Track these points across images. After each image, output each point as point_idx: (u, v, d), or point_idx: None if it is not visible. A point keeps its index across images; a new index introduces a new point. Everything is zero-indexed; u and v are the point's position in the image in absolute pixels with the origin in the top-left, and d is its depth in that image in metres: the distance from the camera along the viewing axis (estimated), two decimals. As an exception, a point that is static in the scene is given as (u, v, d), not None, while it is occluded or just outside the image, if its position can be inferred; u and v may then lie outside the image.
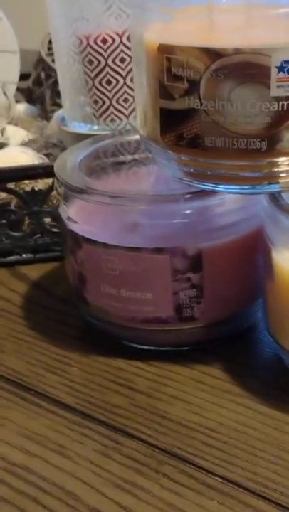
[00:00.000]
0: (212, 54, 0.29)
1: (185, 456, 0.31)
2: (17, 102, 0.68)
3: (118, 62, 0.45)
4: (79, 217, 0.37)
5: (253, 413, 0.33)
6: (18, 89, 0.68)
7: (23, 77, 0.68)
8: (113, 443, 0.32)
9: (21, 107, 0.67)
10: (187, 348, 0.38)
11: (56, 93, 0.60)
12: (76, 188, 0.37)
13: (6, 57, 0.66)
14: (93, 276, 0.37)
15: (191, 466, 0.30)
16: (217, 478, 0.30)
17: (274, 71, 0.29)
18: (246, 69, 0.29)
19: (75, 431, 0.33)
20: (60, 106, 0.57)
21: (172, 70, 0.31)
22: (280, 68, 0.29)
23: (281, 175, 0.32)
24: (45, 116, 0.64)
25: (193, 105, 0.31)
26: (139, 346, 0.38)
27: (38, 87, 0.64)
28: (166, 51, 0.31)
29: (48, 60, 0.61)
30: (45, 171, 0.45)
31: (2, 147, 0.53)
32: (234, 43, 0.29)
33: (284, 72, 0.29)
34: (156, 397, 0.35)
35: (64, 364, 0.38)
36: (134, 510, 0.28)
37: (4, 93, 0.63)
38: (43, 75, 0.63)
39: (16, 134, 0.58)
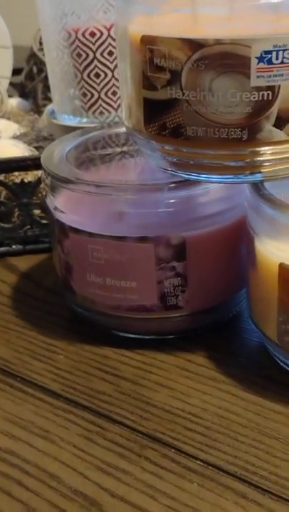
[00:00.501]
0: (193, 45, 0.30)
1: (167, 441, 0.32)
2: (10, 96, 0.68)
3: (106, 56, 0.45)
4: (66, 207, 0.38)
5: (236, 399, 0.34)
6: (11, 84, 0.69)
7: (16, 71, 0.69)
8: (97, 428, 0.33)
9: (14, 102, 0.68)
10: (172, 336, 0.38)
11: (48, 87, 0.61)
12: (62, 178, 0.37)
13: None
14: (79, 266, 0.37)
15: (173, 450, 0.31)
16: (198, 461, 0.30)
17: (254, 61, 0.29)
18: (226, 59, 0.30)
19: (59, 416, 0.33)
20: (51, 100, 0.57)
21: (155, 61, 0.31)
22: (260, 59, 0.29)
23: (263, 164, 0.32)
24: (37, 110, 0.65)
25: (175, 95, 0.31)
26: (124, 335, 0.38)
27: (31, 81, 0.65)
28: (148, 42, 0.31)
29: (39, 54, 0.61)
30: (34, 163, 0.46)
31: (-7, 140, 0.53)
32: (215, 34, 0.30)
33: (264, 63, 0.29)
34: (140, 384, 0.36)
35: (51, 352, 0.38)
36: (115, 492, 0.29)
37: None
38: (35, 69, 0.64)
39: (8, 127, 0.58)
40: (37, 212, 0.48)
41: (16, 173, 0.46)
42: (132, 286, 0.36)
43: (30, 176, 0.47)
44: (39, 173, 0.46)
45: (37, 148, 0.52)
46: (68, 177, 0.37)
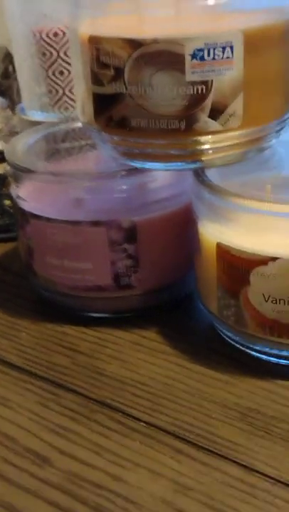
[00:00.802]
0: (133, 44, 0.33)
1: (116, 406, 0.35)
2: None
3: (69, 54, 0.48)
4: (28, 196, 0.41)
5: (182, 369, 0.37)
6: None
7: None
8: (52, 395, 0.36)
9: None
10: (128, 314, 0.41)
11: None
12: (24, 169, 0.40)
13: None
14: (39, 249, 0.40)
15: (120, 413, 0.34)
16: (142, 423, 0.33)
17: (188, 58, 0.32)
18: (163, 57, 0.33)
19: (18, 386, 0.36)
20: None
21: (100, 59, 0.34)
22: (193, 55, 0.32)
23: (202, 153, 0.35)
24: (13, 107, 0.67)
25: (120, 90, 0.34)
26: (83, 313, 0.41)
27: (7, 79, 0.68)
28: (95, 42, 0.34)
29: (11, 52, 0.64)
30: (2, 157, 0.48)
31: None
32: (152, 34, 0.33)
33: (197, 59, 0.32)
34: (96, 357, 0.39)
35: (15, 330, 0.41)
36: (64, 450, 0.32)
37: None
38: (10, 68, 0.67)
39: (-17, 124, 0.61)
40: (7, 202, 0.51)
41: (-13, 166, 0.49)
42: (87, 267, 0.39)
43: (0, 169, 0.50)
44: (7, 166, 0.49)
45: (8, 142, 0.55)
46: (29, 167, 0.40)
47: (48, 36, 0.48)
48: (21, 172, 0.40)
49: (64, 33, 0.47)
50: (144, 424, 0.33)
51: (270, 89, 0.35)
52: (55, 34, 0.48)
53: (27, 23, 0.49)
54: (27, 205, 0.41)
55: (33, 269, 0.42)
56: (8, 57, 0.67)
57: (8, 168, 0.43)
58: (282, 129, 0.38)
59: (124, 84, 0.34)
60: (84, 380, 0.37)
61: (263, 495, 0.29)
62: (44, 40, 0.48)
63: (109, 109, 0.35)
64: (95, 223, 0.38)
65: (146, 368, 0.37)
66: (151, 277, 0.40)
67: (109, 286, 0.40)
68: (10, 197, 0.49)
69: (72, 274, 0.40)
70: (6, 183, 0.50)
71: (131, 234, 0.38)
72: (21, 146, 0.43)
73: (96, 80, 0.35)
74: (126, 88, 0.34)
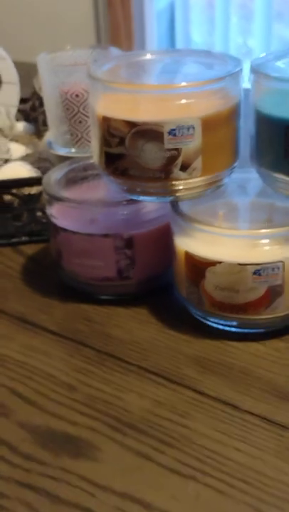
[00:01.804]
0: (131, 124, 0.51)
1: (118, 356, 0.53)
2: (17, 120, 0.89)
3: (86, 110, 0.66)
4: (58, 214, 0.59)
5: (162, 334, 0.56)
6: (18, 111, 0.90)
7: (22, 100, 0.90)
8: (76, 349, 0.54)
9: (20, 126, 0.89)
10: (126, 297, 0.60)
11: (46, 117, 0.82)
12: (55, 197, 0.59)
13: (9, 87, 0.88)
14: (66, 252, 0.59)
15: (121, 361, 0.53)
16: (135, 366, 0.52)
17: (166, 135, 0.51)
18: (150, 133, 0.51)
19: (54, 344, 0.55)
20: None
21: (110, 131, 0.53)
22: (169, 133, 0.51)
23: (176, 192, 0.54)
24: (39, 133, 0.86)
25: (123, 151, 0.53)
26: (96, 296, 0.60)
27: (33, 111, 0.86)
28: (106, 120, 0.53)
29: (39, 93, 0.82)
30: (37, 181, 0.67)
31: (7, 162, 0.75)
32: (144, 118, 0.51)
33: (171, 135, 0.51)
34: (105, 325, 0.57)
35: (50, 307, 0.60)
36: (85, 382, 0.51)
37: (8, 116, 0.85)
38: (37, 103, 0.85)
39: (17, 149, 0.79)
40: (39, 214, 0.69)
41: (25, 188, 0.68)
42: (99, 264, 0.58)
43: (34, 190, 0.68)
44: (40, 188, 0.67)
45: (38, 167, 0.74)
46: (59, 196, 0.59)
47: (71, 96, 0.66)
48: (53, 199, 0.59)
49: (83, 95, 0.65)
50: (136, 367, 0.52)
51: (220, 151, 0.54)
52: (77, 95, 0.66)
53: (56, 85, 0.67)
54: (58, 222, 0.59)
55: (62, 265, 0.61)
56: (35, 94, 0.85)
57: (41, 189, 0.61)
58: (232, 173, 0.56)
59: (126, 148, 0.52)
60: (97, 339, 0.55)
61: (207, 407, 0.48)
62: (68, 99, 0.66)
63: (115, 163, 0.54)
64: (105, 235, 0.57)
65: (139, 332, 0.56)
66: (143, 272, 0.59)
67: (114, 278, 0.59)
68: (42, 210, 0.68)
69: (88, 269, 0.59)
70: (39, 200, 0.68)
71: (129, 243, 0.57)
72: (53, 178, 0.62)
73: (107, 143, 0.54)
74: (127, 151, 0.52)
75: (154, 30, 2.24)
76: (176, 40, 2.37)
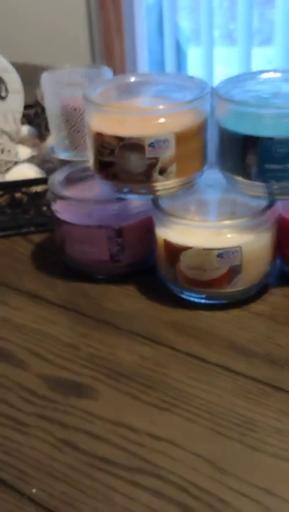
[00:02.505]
0: (119, 139, 0.65)
1: (110, 322, 0.67)
2: (22, 124, 1.02)
3: (83, 121, 0.79)
4: (61, 210, 0.73)
5: (146, 305, 0.69)
6: (23, 116, 1.03)
7: (26, 107, 1.03)
8: (75, 318, 0.68)
9: (25, 129, 1.02)
10: (118, 277, 0.74)
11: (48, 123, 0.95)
12: (59, 196, 0.72)
13: (15, 96, 1.01)
14: (68, 240, 0.73)
15: (111, 325, 0.66)
16: (123, 331, 0.66)
17: (146, 147, 0.64)
18: (135, 146, 0.64)
19: (56, 313, 0.69)
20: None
21: (102, 143, 0.66)
22: (149, 145, 0.64)
23: (156, 191, 0.67)
24: (42, 137, 0.99)
25: (113, 160, 0.66)
26: (93, 276, 0.74)
27: (37, 117, 0.99)
28: (99, 135, 0.66)
29: (42, 103, 0.95)
30: (43, 181, 0.80)
31: (16, 164, 0.88)
32: (129, 134, 0.64)
33: (151, 147, 0.64)
34: (100, 299, 0.71)
35: (54, 285, 0.74)
36: (84, 342, 0.64)
37: (14, 122, 0.98)
38: (39, 110, 0.98)
39: (24, 152, 0.93)
40: (44, 209, 0.83)
41: (33, 187, 0.81)
42: (95, 250, 0.71)
43: (40, 188, 0.82)
44: (45, 186, 0.80)
45: (43, 168, 0.87)
46: (62, 195, 0.72)
47: (70, 109, 0.79)
48: (57, 197, 0.73)
49: (80, 109, 0.79)
50: (126, 331, 0.66)
51: (191, 158, 0.67)
52: (75, 109, 0.79)
53: (57, 98, 0.81)
54: (60, 215, 0.73)
55: (65, 250, 0.74)
56: (38, 103, 0.98)
57: (49, 192, 0.75)
58: (202, 175, 0.70)
59: (115, 157, 0.66)
60: (94, 310, 0.69)
61: (181, 360, 0.61)
62: (67, 112, 0.80)
63: (107, 169, 0.67)
64: (99, 227, 0.70)
65: (128, 304, 0.70)
66: (131, 256, 0.72)
67: (107, 261, 0.72)
68: (47, 205, 0.82)
69: (86, 254, 0.72)
70: (44, 197, 0.81)
71: (119, 233, 0.71)
72: (56, 180, 0.75)
73: (100, 153, 0.67)
74: (116, 159, 0.66)
75: (144, 26, 2.36)
76: (164, 31, 2.48)
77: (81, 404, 0.57)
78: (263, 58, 2.38)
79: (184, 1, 2.51)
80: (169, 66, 2.41)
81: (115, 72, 0.87)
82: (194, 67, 2.48)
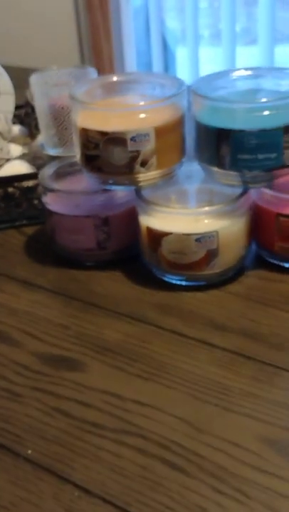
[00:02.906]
0: (103, 134, 0.70)
1: (98, 305, 0.72)
2: (13, 123, 1.08)
3: (70, 119, 0.84)
4: (52, 202, 0.78)
5: (132, 289, 0.74)
6: (14, 116, 1.08)
7: (17, 107, 1.08)
8: (65, 301, 0.73)
9: (16, 129, 1.07)
10: (105, 263, 0.79)
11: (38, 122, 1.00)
12: (49, 189, 0.78)
13: (7, 97, 1.06)
14: (58, 230, 0.78)
15: (99, 308, 0.72)
16: (110, 312, 0.71)
17: (128, 141, 0.70)
18: (117, 140, 0.70)
19: (47, 297, 0.74)
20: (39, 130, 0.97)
21: (88, 138, 0.71)
22: (131, 139, 0.70)
23: (139, 182, 0.73)
24: (32, 135, 1.04)
25: (98, 153, 0.71)
26: (81, 263, 0.79)
27: (27, 117, 1.05)
28: (85, 131, 0.71)
29: (32, 103, 1.01)
30: (34, 176, 0.86)
31: (8, 161, 0.93)
32: (112, 129, 0.70)
33: (132, 141, 0.69)
34: (89, 284, 0.76)
35: (46, 272, 0.79)
36: (75, 323, 0.70)
37: (6, 121, 1.03)
38: (30, 110, 1.03)
39: (15, 150, 0.98)
40: (36, 202, 0.88)
41: (24, 182, 0.86)
42: (83, 239, 0.77)
43: (31, 183, 0.87)
44: (36, 181, 0.86)
45: (34, 164, 0.92)
46: (51, 187, 0.77)
47: (58, 108, 0.85)
48: (47, 190, 0.78)
49: (67, 107, 0.84)
50: (112, 312, 0.71)
51: (170, 150, 0.72)
52: (63, 108, 0.85)
53: (45, 97, 0.86)
54: (50, 207, 0.78)
55: (55, 240, 0.79)
56: (28, 104, 1.03)
57: (37, 182, 0.80)
58: (181, 166, 0.75)
59: (100, 151, 0.71)
60: (83, 294, 0.74)
61: (163, 336, 0.66)
62: (56, 110, 0.85)
63: (92, 162, 0.72)
64: (87, 216, 0.76)
65: (114, 288, 0.75)
66: (117, 244, 0.78)
67: (94, 249, 0.77)
68: (38, 199, 0.87)
69: (75, 242, 0.77)
70: (35, 191, 0.87)
71: (106, 222, 0.76)
72: (46, 174, 0.80)
73: (85, 147, 0.72)
74: (101, 153, 0.71)
75: (131, 27, 2.41)
76: (151, 32, 2.53)
77: (71, 376, 0.62)
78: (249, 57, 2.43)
79: (171, 2, 2.57)
80: (157, 66, 2.46)
81: (103, 73, 0.93)
82: (182, 67, 2.54)
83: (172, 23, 2.63)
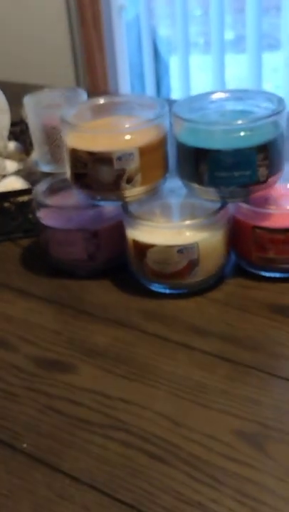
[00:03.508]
0: (92, 154, 0.76)
1: (89, 312, 0.78)
2: (9, 140, 1.14)
3: (62, 138, 0.91)
4: (45, 216, 0.84)
5: (119, 296, 0.80)
6: (10, 133, 1.14)
7: (12, 124, 1.14)
8: (59, 309, 0.79)
9: (12, 145, 1.13)
10: (95, 273, 0.85)
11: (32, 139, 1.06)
12: (42, 204, 0.83)
13: (2, 115, 1.12)
14: (51, 242, 0.84)
15: (88, 312, 0.78)
16: (100, 317, 0.77)
17: (115, 160, 0.75)
18: (104, 159, 0.76)
19: (42, 305, 0.80)
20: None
21: (77, 158, 0.77)
22: (117, 159, 0.75)
23: (125, 198, 0.79)
24: (27, 151, 1.10)
25: (86, 171, 0.77)
26: (74, 273, 0.85)
27: (22, 134, 1.11)
28: (74, 151, 0.77)
29: (26, 121, 1.07)
30: (29, 192, 0.92)
31: (4, 177, 0.99)
32: (100, 149, 0.76)
33: (118, 160, 0.75)
34: (81, 292, 0.82)
35: (40, 281, 0.85)
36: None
37: (2, 138, 1.09)
38: (24, 127, 1.09)
39: (11, 166, 1.04)
40: (30, 216, 0.94)
41: (20, 197, 0.92)
42: (75, 251, 0.83)
43: (26, 198, 0.93)
44: (31, 196, 0.91)
45: (28, 180, 0.98)
46: (45, 203, 0.83)
47: (51, 128, 0.91)
48: (41, 206, 0.84)
49: (59, 127, 0.90)
50: (101, 319, 0.77)
51: (154, 168, 0.78)
52: (54, 127, 0.91)
53: (39, 117, 0.92)
54: (44, 221, 0.84)
55: (49, 251, 0.85)
56: (23, 121, 1.09)
57: (32, 197, 0.86)
58: (164, 182, 0.81)
59: (88, 169, 0.77)
60: (75, 302, 0.80)
61: (148, 340, 0.72)
62: (48, 130, 0.91)
63: (81, 180, 0.78)
64: (78, 230, 0.82)
65: (103, 297, 0.81)
66: (106, 255, 0.84)
67: (85, 260, 0.83)
68: (32, 213, 0.93)
69: (67, 254, 0.83)
70: (30, 205, 0.93)
71: (96, 235, 0.82)
72: (40, 190, 0.86)
73: (75, 166, 0.78)
74: (88, 172, 0.77)
75: (124, 41, 2.48)
76: (143, 45, 2.59)
77: (63, 378, 0.68)
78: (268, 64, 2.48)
79: (164, 10, 2.64)
80: (149, 78, 2.53)
81: (97, 86, 0.98)
82: (175, 76, 2.61)
83: (165, 32, 2.70)
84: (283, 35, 2.37)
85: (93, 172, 0.77)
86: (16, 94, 1.10)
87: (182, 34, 2.41)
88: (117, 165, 0.76)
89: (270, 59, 2.51)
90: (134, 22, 2.64)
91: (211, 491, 0.54)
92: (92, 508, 0.54)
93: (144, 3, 2.44)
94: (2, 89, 1.10)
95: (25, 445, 0.60)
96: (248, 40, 2.29)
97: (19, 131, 1.12)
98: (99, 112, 0.83)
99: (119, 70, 2.45)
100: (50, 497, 0.55)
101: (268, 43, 2.58)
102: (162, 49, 2.70)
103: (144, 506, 0.53)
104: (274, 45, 2.60)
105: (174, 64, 2.63)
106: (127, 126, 0.78)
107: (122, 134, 0.76)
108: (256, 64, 2.30)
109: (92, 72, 2.39)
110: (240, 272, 0.82)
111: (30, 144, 1.07)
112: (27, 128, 1.07)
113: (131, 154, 0.76)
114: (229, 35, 2.60)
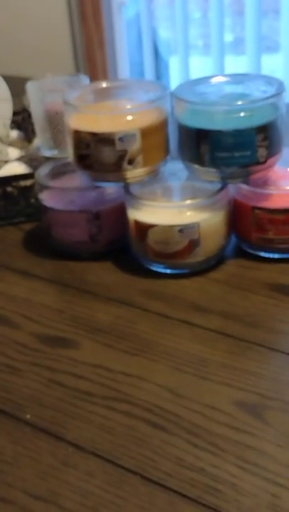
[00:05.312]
0: (94, 135, 0.77)
1: (90, 291, 0.79)
2: (11, 128, 1.15)
3: (64, 123, 0.92)
4: (48, 198, 0.85)
5: (121, 276, 0.81)
6: (12, 121, 1.15)
7: (14, 113, 1.15)
8: (60, 290, 0.80)
9: (14, 133, 1.14)
10: (97, 255, 0.86)
11: (34, 127, 1.07)
12: (45, 186, 0.84)
13: (4, 103, 1.13)
14: (54, 224, 0.85)
15: (91, 294, 0.79)
16: (102, 297, 0.78)
17: (116, 141, 0.76)
18: (106, 140, 0.77)
19: (44, 285, 0.81)
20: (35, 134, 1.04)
21: (80, 139, 0.78)
22: (119, 139, 0.76)
23: (126, 179, 0.80)
24: (29, 139, 1.11)
25: (89, 152, 0.78)
26: (76, 254, 0.86)
27: (24, 122, 1.12)
28: (77, 132, 0.78)
29: (28, 109, 1.08)
30: (31, 176, 0.93)
31: (7, 162, 1.00)
32: (102, 130, 0.77)
33: (120, 141, 0.76)
34: (84, 273, 0.83)
35: (43, 263, 0.86)
36: (68, 299, 0.76)
37: (5, 127, 1.10)
38: (26, 116, 1.10)
39: (13, 153, 1.05)
40: (32, 200, 0.95)
41: (22, 181, 0.93)
42: (77, 232, 0.84)
43: (29, 182, 0.94)
44: (33, 181, 0.92)
45: (31, 165, 0.99)
46: (47, 185, 0.84)
47: (53, 113, 0.92)
48: (43, 187, 0.85)
49: (61, 112, 0.91)
50: (104, 298, 0.78)
51: (155, 150, 0.79)
52: (57, 112, 0.92)
53: (41, 101, 0.93)
54: (46, 203, 0.85)
55: (51, 233, 0.86)
56: (25, 110, 1.10)
57: (34, 182, 0.87)
58: (165, 164, 0.82)
59: (91, 151, 0.78)
60: (77, 283, 0.81)
61: (149, 318, 0.73)
62: (51, 115, 0.92)
63: (84, 161, 0.79)
64: (80, 211, 0.83)
65: (105, 277, 0.82)
66: (108, 236, 0.85)
67: (87, 241, 0.84)
68: (35, 198, 0.94)
69: (70, 235, 0.84)
70: (32, 190, 0.94)
71: (97, 216, 0.83)
72: (43, 173, 0.87)
73: (77, 147, 0.79)
74: (91, 152, 0.78)
75: (124, 38, 2.49)
76: (143, 43, 2.61)
77: (66, 353, 0.69)
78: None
79: (164, 12, 2.65)
80: (149, 76, 2.54)
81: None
82: (175, 76, 2.62)
83: (165, 33, 2.71)
84: (282, 38, 2.38)
85: (96, 153, 0.78)
86: (17, 86, 1.11)
87: (182, 36, 2.42)
88: (118, 146, 0.77)
89: (269, 61, 2.52)
90: (134, 21, 2.65)
91: (212, 457, 0.55)
92: (95, 474, 0.55)
93: (144, 3, 2.45)
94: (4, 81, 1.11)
95: (28, 416, 0.61)
96: (247, 43, 2.30)
97: (21, 119, 1.13)
98: (101, 95, 0.84)
99: (119, 68, 2.47)
100: (54, 464, 0.56)
101: (267, 45, 2.60)
102: (162, 49, 2.71)
103: (147, 472, 0.54)
104: (273, 48, 2.61)
105: (173, 66, 2.64)
106: (128, 107, 0.79)
107: (124, 115, 0.77)
108: (255, 66, 2.31)
109: (92, 69, 2.41)
110: (241, 253, 0.83)
111: (33, 132, 1.08)
112: (29, 116, 1.08)
113: (133, 135, 0.77)
114: (229, 37, 2.61)
